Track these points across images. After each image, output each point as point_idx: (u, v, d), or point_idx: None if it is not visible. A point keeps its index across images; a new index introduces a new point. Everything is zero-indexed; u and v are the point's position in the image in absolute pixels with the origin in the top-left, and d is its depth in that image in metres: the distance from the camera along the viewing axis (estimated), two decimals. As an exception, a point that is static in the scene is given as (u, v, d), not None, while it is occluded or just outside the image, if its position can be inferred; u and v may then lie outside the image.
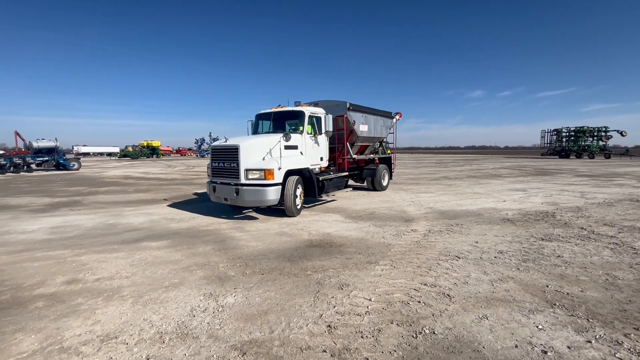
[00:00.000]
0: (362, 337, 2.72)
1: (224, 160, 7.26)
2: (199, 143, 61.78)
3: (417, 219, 7.09)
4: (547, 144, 45.07)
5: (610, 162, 30.34)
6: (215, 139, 41.67)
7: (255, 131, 9.02)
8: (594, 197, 9.74)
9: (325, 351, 2.54)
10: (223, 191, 7.23)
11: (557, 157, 41.96)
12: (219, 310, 3.21)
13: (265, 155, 7.27)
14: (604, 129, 38.15)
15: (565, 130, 41.78)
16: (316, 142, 8.50)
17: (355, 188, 11.86)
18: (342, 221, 7.00)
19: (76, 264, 4.54)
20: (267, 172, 6.80)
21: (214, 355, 2.51)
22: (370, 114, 10.78)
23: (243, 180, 6.91)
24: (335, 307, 3.21)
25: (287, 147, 7.54)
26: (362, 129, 10.18)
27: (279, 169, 6.97)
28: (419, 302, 3.29)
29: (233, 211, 8.04)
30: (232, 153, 7.09)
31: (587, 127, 39.10)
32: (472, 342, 2.62)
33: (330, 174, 8.89)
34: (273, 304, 3.31)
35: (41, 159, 23.96)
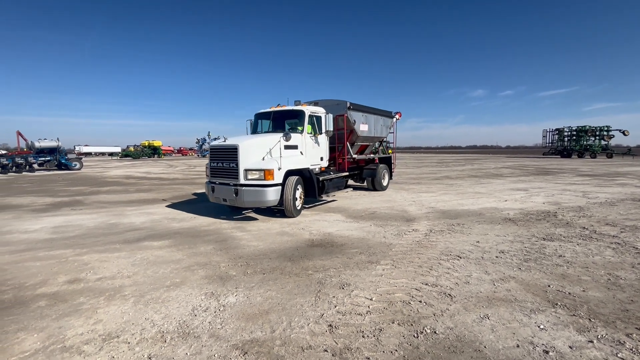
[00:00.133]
0: (363, 336, 2.72)
1: (223, 160, 7.20)
2: (201, 143, 61.82)
3: (419, 219, 7.08)
4: (548, 143, 44.85)
5: (613, 161, 30.22)
6: (215, 139, 41.69)
7: (255, 131, 8.94)
8: (595, 196, 9.71)
9: (326, 351, 2.54)
10: (222, 192, 7.16)
11: (559, 156, 41.77)
12: (221, 309, 3.21)
13: (264, 155, 7.20)
14: (606, 129, 37.95)
15: (567, 130, 41.55)
16: (316, 141, 8.43)
17: (355, 188, 11.84)
18: (343, 221, 7.00)
19: (78, 264, 4.56)
20: (267, 173, 6.73)
21: (216, 355, 2.52)
22: (371, 114, 10.74)
23: (242, 181, 6.84)
24: (337, 307, 3.21)
25: (287, 147, 7.45)
26: (363, 128, 10.16)
27: (279, 169, 6.90)
28: (420, 301, 3.29)
29: (233, 211, 8.03)
30: (231, 153, 7.02)
31: (589, 126, 38.88)
32: (473, 341, 2.62)
33: (331, 174, 8.83)
34: (274, 304, 3.31)
35: (43, 158, 24.05)
